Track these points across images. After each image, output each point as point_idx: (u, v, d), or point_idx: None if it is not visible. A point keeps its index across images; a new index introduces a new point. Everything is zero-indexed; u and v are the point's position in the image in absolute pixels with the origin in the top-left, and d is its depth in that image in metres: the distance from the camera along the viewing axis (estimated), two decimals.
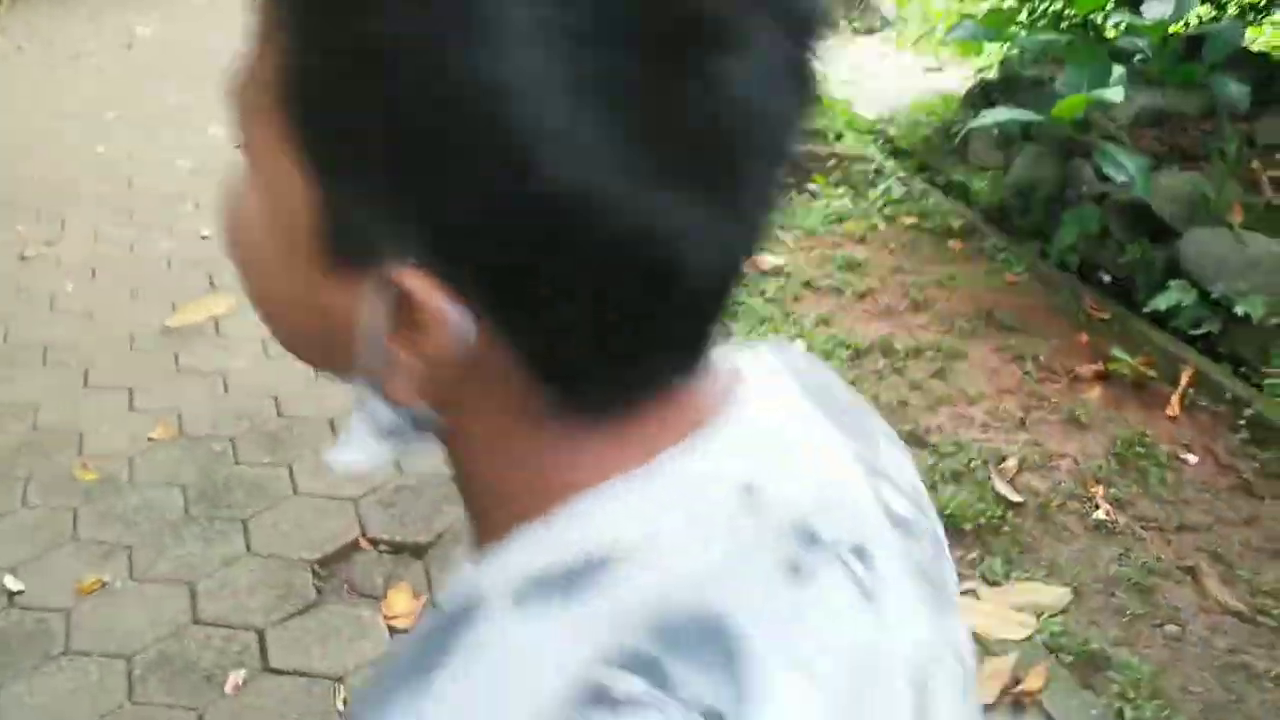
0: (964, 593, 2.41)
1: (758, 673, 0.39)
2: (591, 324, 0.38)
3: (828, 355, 3.40)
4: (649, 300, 0.37)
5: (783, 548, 0.42)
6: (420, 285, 0.37)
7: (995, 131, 4.54)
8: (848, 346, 3.46)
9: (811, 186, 4.78)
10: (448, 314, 0.37)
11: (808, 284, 3.96)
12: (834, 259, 4.13)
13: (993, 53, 5.48)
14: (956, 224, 4.42)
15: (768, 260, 4.08)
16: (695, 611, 0.39)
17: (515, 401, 0.41)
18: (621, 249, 0.36)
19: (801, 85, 0.38)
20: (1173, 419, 3.11)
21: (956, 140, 5.22)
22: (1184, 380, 3.22)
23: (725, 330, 0.43)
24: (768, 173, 0.39)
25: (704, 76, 0.35)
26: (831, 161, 4.93)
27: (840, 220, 4.51)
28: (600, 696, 0.37)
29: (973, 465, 2.91)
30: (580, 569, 0.40)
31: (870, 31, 8.16)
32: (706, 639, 0.39)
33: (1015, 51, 4.88)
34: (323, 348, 0.43)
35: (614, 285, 0.37)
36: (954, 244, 4.30)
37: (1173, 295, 3.47)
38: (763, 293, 3.86)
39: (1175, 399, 3.17)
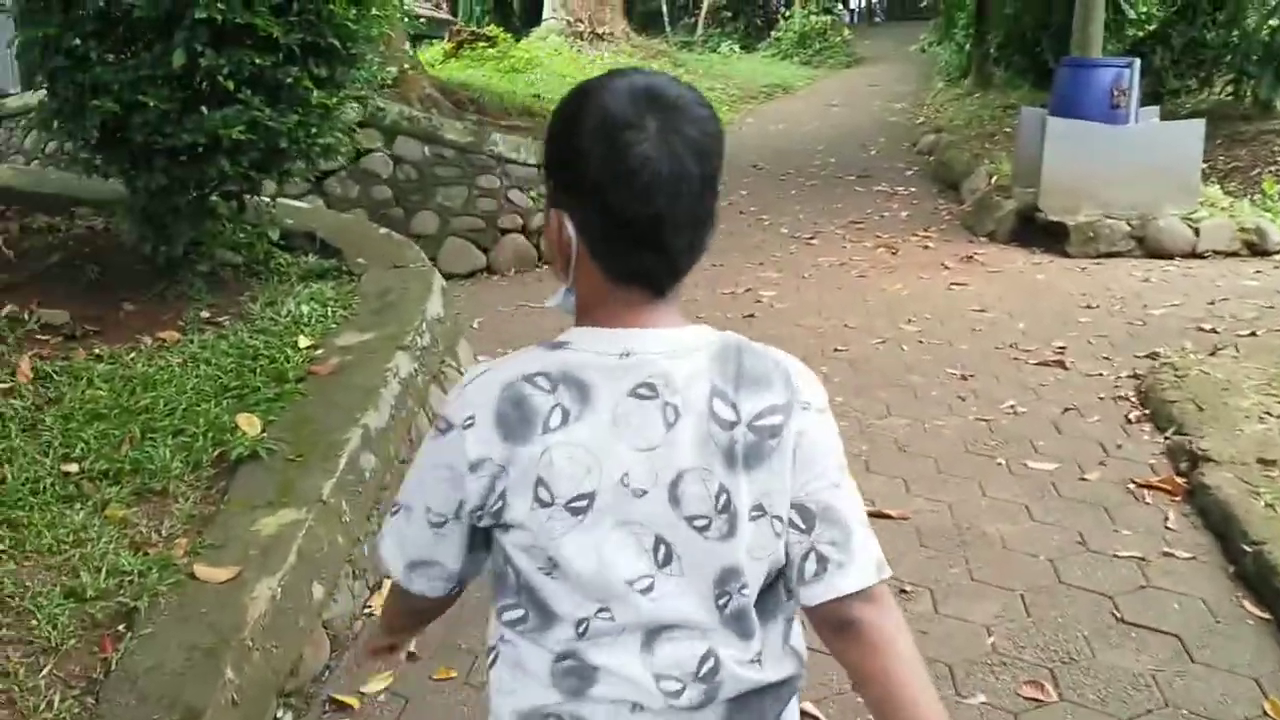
0: None
1: (593, 408, 1.14)
2: (609, 249, 1.15)
3: None
4: (625, 242, 1.14)
5: (634, 381, 1.14)
6: (558, 215, 1.18)
7: None
8: None
9: None
10: (569, 226, 1.15)
11: None
12: None
13: None
14: None
15: None
16: (581, 379, 1.14)
17: (590, 280, 1.17)
18: (623, 231, 1.14)
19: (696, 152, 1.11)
20: None
21: None
22: None
23: (677, 288, 1.18)
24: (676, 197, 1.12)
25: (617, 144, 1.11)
26: None
27: None
28: (528, 378, 1.16)
29: None
30: (560, 342, 1.18)
31: None
32: (580, 390, 1.14)
33: None
34: (555, 260, 1.20)
35: (618, 238, 1.14)
36: None
37: None
38: None
39: None
